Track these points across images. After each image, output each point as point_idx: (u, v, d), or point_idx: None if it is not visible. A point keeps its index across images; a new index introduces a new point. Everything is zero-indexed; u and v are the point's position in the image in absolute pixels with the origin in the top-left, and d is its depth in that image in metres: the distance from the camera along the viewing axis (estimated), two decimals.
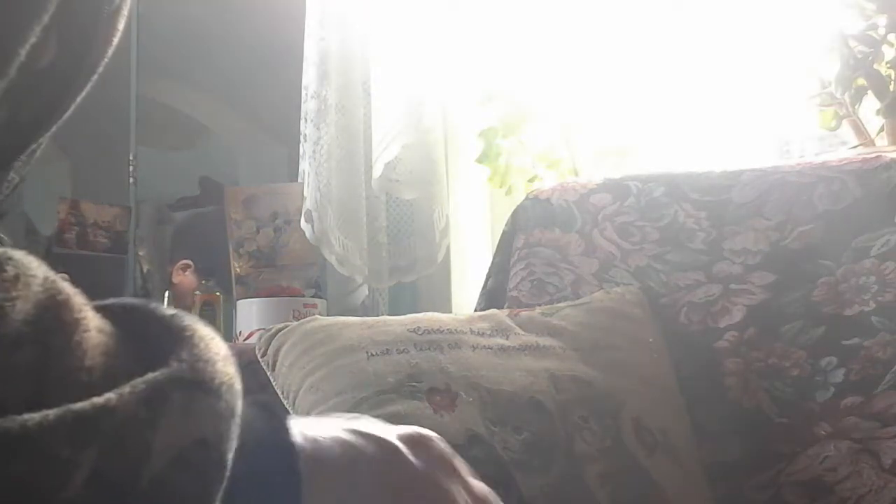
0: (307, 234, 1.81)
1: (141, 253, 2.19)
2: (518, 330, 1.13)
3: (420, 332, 1.06)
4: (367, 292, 1.96)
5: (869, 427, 1.10)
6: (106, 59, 0.44)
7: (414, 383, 0.99)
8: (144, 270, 2.19)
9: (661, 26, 1.65)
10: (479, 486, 0.52)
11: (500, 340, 1.10)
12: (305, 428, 0.46)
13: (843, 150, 1.49)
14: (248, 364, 1.36)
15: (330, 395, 1.00)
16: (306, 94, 1.84)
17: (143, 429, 0.35)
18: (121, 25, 0.44)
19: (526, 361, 1.07)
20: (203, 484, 0.36)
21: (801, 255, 1.22)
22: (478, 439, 0.96)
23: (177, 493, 0.35)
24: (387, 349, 1.03)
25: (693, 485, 1.08)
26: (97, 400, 0.34)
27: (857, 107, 1.45)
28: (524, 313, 1.18)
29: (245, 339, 1.74)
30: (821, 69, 1.48)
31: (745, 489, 1.14)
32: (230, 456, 0.38)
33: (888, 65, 1.43)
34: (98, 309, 0.40)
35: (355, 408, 0.97)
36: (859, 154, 1.32)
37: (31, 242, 2.15)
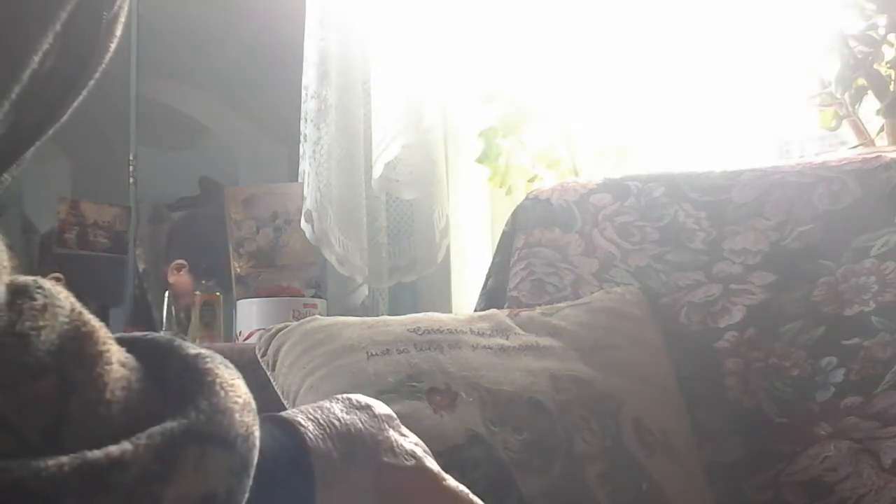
0: (307, 234, 1.81)
1: (137, 252, 2.19)
2: (518, 330, 1.13)
3: (420, 332, 1.06)
4: (367, 292, 1.96)
5: (869, 427, 1.10)
6: (104, 64, 0.44)
7: (414, 383, 0.99)
8: (140, 270, 2.19)
9: (660, 26, 1.65)
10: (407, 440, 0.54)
11: (500, 340, 1.10)
12: (314, 435, 0.47)
13: (843, 150, 1.49)
14: (248, 364, 1.36)
15: (330, 395, 1.00)
16: (306, 94, 1.84)
17: (155, 483, 0.35)
18: (119, 31, 0.44)
19: (526, 361, 1.07)
20: None
21: (801, 255, 1.22)
22: (478, 439, 0.96)
23: None
24: (387, 349, 1.03)
25: (693, 485, 1.08)
26: (112, 451, 0.35)
27: (857, 107, 1.45)
28: (524, 313, 1.18)
29: (245, 339, 1.74)
30: (821, 69, 1.48)
31: (745, 489, 1.14)
32: None
33: (888, 65, 1.43)
34: (123, 342, 0.40)
35: None
36: (859, 154, 1.32)
37: (27, 241, 2.15)
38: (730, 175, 1.30)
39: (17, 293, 0.36)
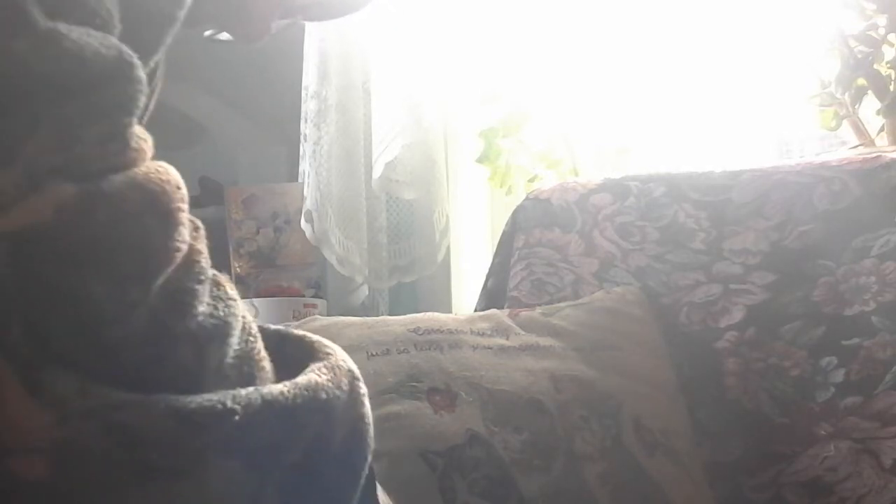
0: (307, 234, 1.81)
1: None
2: (518, 330, 1.13)
3: (420, 332, 1.06)
4: (367, 292, 1.95)
5: (869, 427, 1.10)
6: None
7: (414, 383, 0.99)
8: None
9: (660, 26, 1.65)
10: None
11: (500, 340, 1.10)
12: None
13: (843, 150, 1.49)
14: None
15: None
16: (306, 94, 1.84)
17: (343, 407, 0.45)
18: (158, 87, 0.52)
19: (526, 361, 1.07)
20: (363, 447, 0.47)
21: (801, 255, 1.22)
22: (478, 439, 0.96)
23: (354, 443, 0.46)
24: (387, 349, 1.03)
25: (693, 485, 1.08)
26: (309, 378, 0.44)
27: (857, 107, 1.45)
28: (524, 313, 1.18)
29: None
30: (821, 69, 1.48)
31: (745, 489, 1.14)
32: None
33: (888, 65, 1.43)
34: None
35: None
36: (859, 154, 1.32)
37: None
38: (730, 175, 1.30)
39: (216, 283, 0.42)
